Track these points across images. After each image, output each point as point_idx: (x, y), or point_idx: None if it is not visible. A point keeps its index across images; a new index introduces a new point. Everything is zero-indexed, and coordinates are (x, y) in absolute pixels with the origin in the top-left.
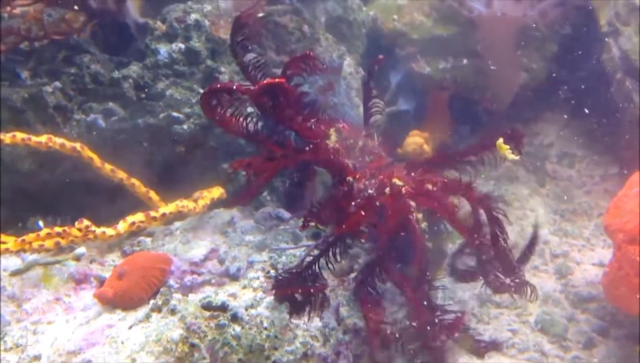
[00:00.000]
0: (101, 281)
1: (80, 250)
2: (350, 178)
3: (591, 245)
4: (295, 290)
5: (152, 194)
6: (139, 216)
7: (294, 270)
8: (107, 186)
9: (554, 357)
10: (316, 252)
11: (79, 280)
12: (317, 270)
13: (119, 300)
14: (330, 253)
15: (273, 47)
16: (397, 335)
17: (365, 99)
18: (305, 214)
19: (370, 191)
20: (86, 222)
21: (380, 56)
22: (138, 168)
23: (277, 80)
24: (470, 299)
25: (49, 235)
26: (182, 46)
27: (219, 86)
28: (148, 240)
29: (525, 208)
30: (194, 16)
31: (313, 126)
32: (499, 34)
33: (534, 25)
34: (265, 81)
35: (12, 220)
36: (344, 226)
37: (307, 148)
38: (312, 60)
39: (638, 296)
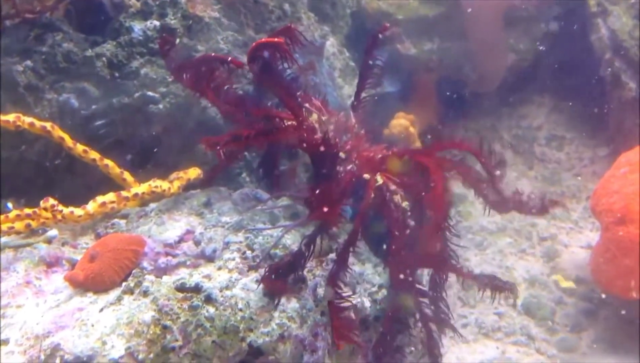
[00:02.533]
0: (73, 264)
1: (52, 232)
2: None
3: (579, 227)
4: (285, 283)
5: (127, 175)
6: (109, 196)
7: (285, 261)
8: (82, 169)
9: (540, 341)
10: (304, 241)
11: (50, 263)
12: (305, 258)
13: (90, 282)
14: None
15: (252, 25)
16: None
17: (361, 76)
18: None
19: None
20: (52, 201)
21: (386, 24)
22: (112, 149)
23: (275, 39)
24: (455, 282)
25: (18, 217)
26: (157, 23)
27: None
28: (122, 222)
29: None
30: None
31: (298, 101)
32: (485, 14)
33: (522, 5)
34: (262, 40)
35: None
36: (328, 213)
37: (289, 124)
38: (294, 33)
39: (626, 278)
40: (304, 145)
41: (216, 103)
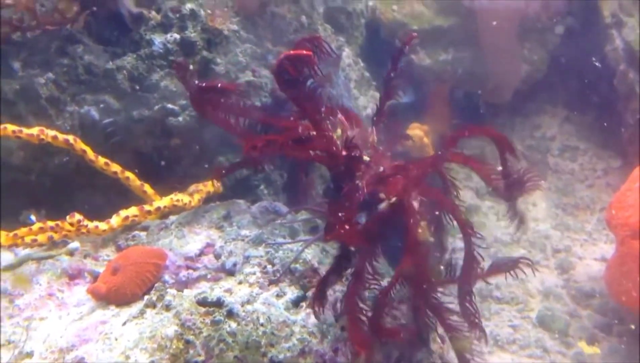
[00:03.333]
0: (95, 277)
1: (74, 244)
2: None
3: (593, 239)
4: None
5: (147, 187)
6: (132, 211)
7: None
8: (103, 180)
9: (555, 353)
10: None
11: (73, 275)
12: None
13: (112, 295)
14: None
15: (270, 37)
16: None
17: (384, 89)
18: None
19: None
20: (78, 216)
21: (413, 35)
22: (132, 161)
23: (304, 52)
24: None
25: (41, 229)
26: (177, 36)
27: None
28: (143, 234)
29: (526, 202)
30: (189, 6)
31: (323, 114)
32: (500, 25)
33: (536, 16)
34: (291, 52)
35: (5, 215)
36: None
37: (319, 137)
38: (321, 43)
39: None
40: (327, 160)
41: (234, 130)
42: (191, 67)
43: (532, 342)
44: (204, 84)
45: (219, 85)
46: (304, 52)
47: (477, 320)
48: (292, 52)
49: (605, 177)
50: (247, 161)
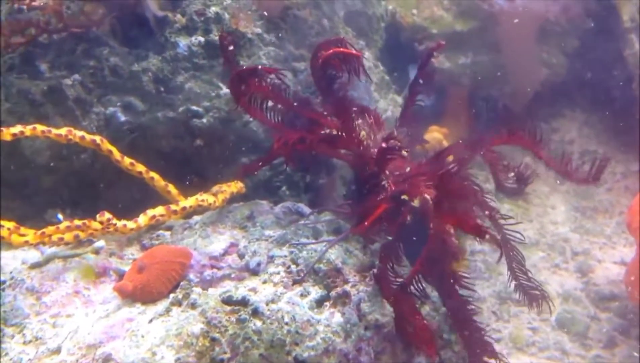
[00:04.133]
0: (120, 275)
1: (100, 243)
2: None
3: (612, 242)
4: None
5: (171, 188)
6: (159, 210)
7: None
8: (128, 180)
9: (574, 356)
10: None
11: (98, 273)
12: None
13: (138, 293)
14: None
15: (292, 40)
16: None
17: (410, 93)
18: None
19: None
20: (107, 215)
21: (442, 42)
22: (157, 161)
23: (353, 51)
24: (489, 296)
25: (68, 228)
26: (202, 39)
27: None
28: (167, 233)
29: (545, 205)
30: (214, 9)
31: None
32: (519, 29)
33: (555, 20)
34: (336, 49)
35: (31, 213)
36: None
37: (344, 137)
38: (346, 43)
39: None
40: (355, 159)
41: (268, 122)
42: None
43: (551, 344)
44: (244, 67)
45: (259, 67)
46: (354, 51)
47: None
48: (337, 49)
49: (624, 181)
50: (275, 156)
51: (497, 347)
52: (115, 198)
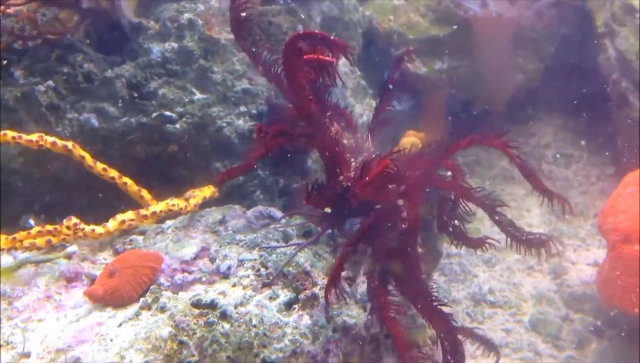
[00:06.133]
0: (92, 280)
1: (72, 248)
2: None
3: (586, 245)
4: None
5: (144, 193)
6: (129, 215)
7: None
8: (101, 186)
9: (547, 357)
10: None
11: (70, 278)
12: None
13: (109, 298)
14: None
15: (267, 46)
16: None
17: (381, 99)
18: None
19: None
20: (74, 220)
21: (410, 48)
22: (132, 167)
23: (327, 58)
24: (464, 298)
25: (40, 233)
26: (175, 45)
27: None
28: (140, 238)
29: (521, 208)
30: (187, 16)
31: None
32: (494, 35)
33: (530, 26)
34: (314, 55)
35: (6, 219)
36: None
37: (332, 133)
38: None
39: (632, 296)
40: (330, 156)
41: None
42: None
43: (524, 345)
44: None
45: None
46: (328, 58)
47: None
48: (315, 56)
49: (599, 183)
50: (251, 165)
51: (471, 349)
52: (90, 204)
